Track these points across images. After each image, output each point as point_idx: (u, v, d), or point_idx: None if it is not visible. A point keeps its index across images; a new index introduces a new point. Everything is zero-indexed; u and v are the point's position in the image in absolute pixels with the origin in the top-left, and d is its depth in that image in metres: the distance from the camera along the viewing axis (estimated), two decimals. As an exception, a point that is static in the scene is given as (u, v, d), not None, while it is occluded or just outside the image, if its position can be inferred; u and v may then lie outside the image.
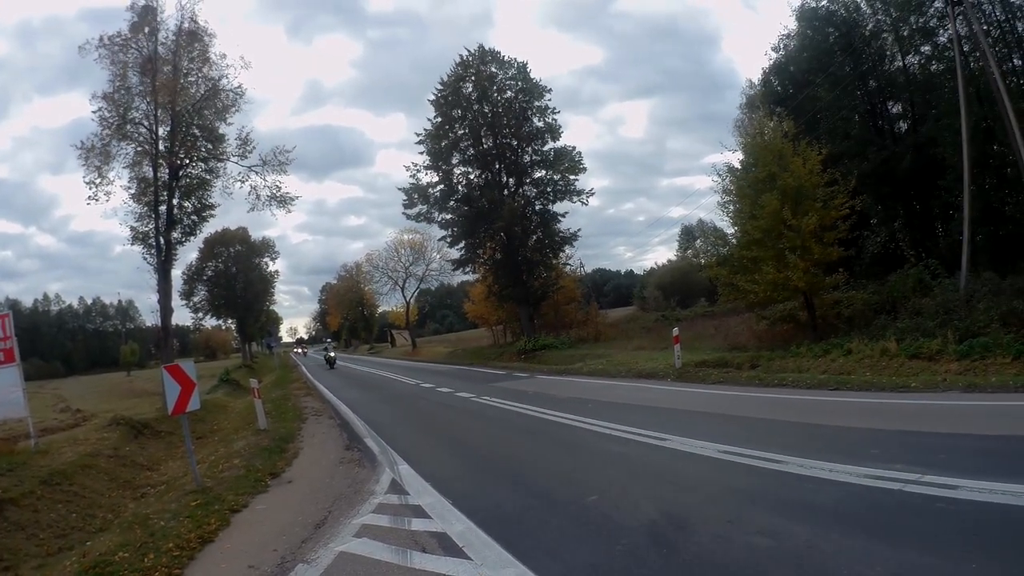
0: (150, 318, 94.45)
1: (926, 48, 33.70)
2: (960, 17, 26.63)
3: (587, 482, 9.71)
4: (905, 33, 33.90)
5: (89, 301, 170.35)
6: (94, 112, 30.33)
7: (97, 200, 30.72)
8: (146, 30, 30.88)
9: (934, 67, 33.37)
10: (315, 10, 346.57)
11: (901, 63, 35.39)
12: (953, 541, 6.04)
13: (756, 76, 51.57)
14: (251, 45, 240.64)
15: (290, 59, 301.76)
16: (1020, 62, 30.48)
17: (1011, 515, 6.48)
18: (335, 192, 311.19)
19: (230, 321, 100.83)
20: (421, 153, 49.44)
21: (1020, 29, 30.21)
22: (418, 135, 49.41)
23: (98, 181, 30.41)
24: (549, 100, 48.22)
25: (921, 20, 32.61)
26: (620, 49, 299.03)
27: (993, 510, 6.64)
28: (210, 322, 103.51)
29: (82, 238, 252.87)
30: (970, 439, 9.75)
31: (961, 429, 10.40)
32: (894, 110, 37.13)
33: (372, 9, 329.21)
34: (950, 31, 27.75)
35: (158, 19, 31.26)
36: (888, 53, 35.41)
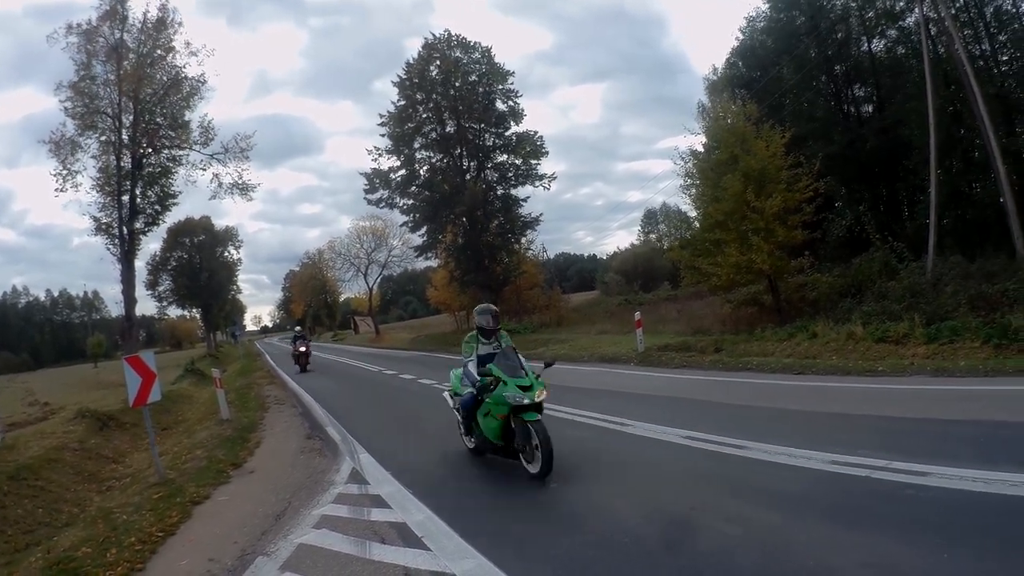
0: (115, 309, 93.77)
1: (892, 32, 33.89)
2: (927, 1, 26.49)
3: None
4: (871, 16, 33.89)
5: (55, 293, 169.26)
6: (61, 102, 30.89)
7: (65, 191, 31.48)
8: (116, 18, 31.40)
9: (900, 51, 33.61)
10: (255, 0, 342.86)
11: (867, 47, 35.51)
12: (924, 529, 5.88)
13: (714, 59, 52.22)
14: (195, 34, 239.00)
15: (235, 49, 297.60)
16: (987, 46, 30.63)
17: (983, 502, 6.33)
18: (288, 180, 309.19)
19: (195, 310, 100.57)
20: (382, 136, 49.68)
21: (988, 14, 30.27)
22: (381, 116, 49.54)
23: (64, 173, 31.10)
24: (512, 83, 48.65)
25: (888, 3, 32.64)
26: (568, 33, 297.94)
27: (964, 497, 6.50)
28: (175, 312, 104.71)
29: (41, 231, 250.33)
30: (939, 424, 9.57)
31: (930, 414, 10.21)
32: (859, 93, 37.32)
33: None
34: (917, 14, 27.72)
35: (126, 6, 31.83)
36: (854, 37, 35.47)
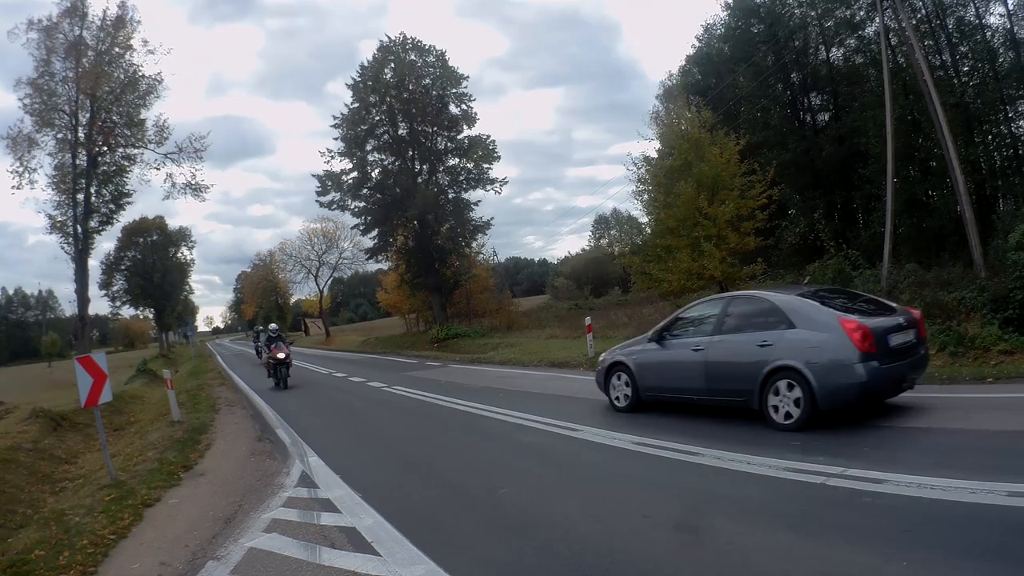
0: (69, 308, 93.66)
1: (851, 41, 34.18)
2: (888, 11, 26.57)
3: (499, 474, 9.72)
4: (831, 25, 34.11)
5: (11, 291, 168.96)
6: (20, 99, 31.42)
7: (21, 188, 32.07)
8: (76, 15, 31.93)
9: (859, 60, 33.92)
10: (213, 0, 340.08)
11: (825, 56, 35.75)
12: (881, 538, 5.79)
13: (669, 66, 52.98)
14: (154, 32, 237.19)
15: (193, 48, 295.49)
16: (948, 56, 30.95)
17: (941, 510, 6.24)
18: (240, 181, 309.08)
19: (148, 311, 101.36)
20: (336, 139, 49.15)
21: (950, 25, 30.55)
22: (335, 117, 48.98)
23: (20, 170, 31.63)
24: (466, 87, 48.47)
25: (848, 13, 32.84)
26: (522, 38, 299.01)
27: (922, 505, 6.40)
28: (128, 312, 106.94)
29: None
30: (896, 431, 9.44)
31: (886, 422, 9.98)
32: (816, 102, 37.63)
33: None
34: (877, 24, 27.85)
35: (86, 4, 32.33)
36: (812, 45, 35.71)
